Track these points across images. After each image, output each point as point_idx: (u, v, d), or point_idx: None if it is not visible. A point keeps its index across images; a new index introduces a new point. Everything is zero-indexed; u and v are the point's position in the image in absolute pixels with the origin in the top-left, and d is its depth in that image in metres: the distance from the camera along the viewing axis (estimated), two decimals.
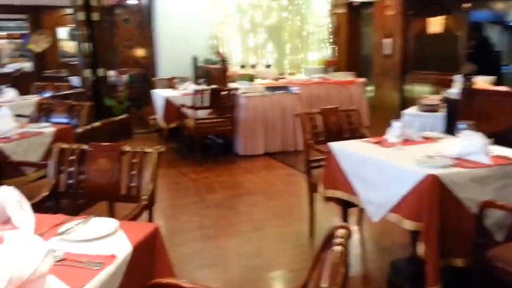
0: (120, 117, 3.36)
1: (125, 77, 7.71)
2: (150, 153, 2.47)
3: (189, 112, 5.68)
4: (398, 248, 3.41)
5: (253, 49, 8.05)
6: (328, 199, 3.16)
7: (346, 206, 3.22)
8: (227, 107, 5.66)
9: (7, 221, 1.75)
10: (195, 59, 7.16)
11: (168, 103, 5.89)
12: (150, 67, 7.68)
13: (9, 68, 14.08)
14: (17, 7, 10.93)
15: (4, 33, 21.35)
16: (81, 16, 7.08)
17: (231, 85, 6.14)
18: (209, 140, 6.73)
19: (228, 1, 7.66)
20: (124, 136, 7.23)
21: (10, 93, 5.54)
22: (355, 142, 3.10)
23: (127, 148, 2.50)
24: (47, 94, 6.27)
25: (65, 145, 2.54)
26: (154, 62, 7.51)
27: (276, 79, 7.11)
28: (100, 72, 7.22)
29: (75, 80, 8.34)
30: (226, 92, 5.60)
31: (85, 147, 2.51)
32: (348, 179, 2.88)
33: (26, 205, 1.78)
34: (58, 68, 10.67)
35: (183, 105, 5.69)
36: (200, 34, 7.32)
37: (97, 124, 3.15)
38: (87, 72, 7.16)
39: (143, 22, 8.03)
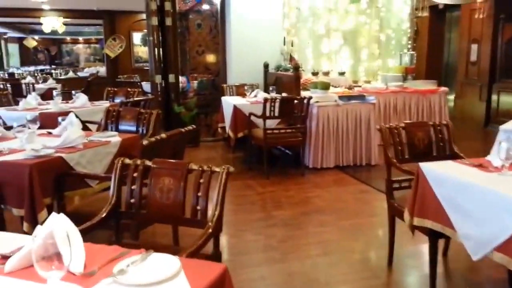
0: (187, 128, 3.12)
1: (195, 84, 7.62)
2: (218, 173, 2.19)
3: (258, 121, 5.42)
4: (491, 285, 2.94)
5: (326, 55, 7.66)
6: (415, 227, 2.75)
7: (435, 236, 2.78)
8: (298, 116, 5.34)
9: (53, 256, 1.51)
10: (266, 66, 6.91)
11: (237, 111, 5.67)
12: (220, 73, 7.54)
13: (85, 72, 14.76)
14: (94, 12, 11.32)
15: (82, 38, 22.55)
16: (154, 21, 7.09)
17: (303, 93, 5.81)
18: (277, 150, 6.45)
19: (302, 5, 7.33)
20: (191, 144, 7.14)
21: (82, 99, 5.55)
22: (450, 163, 2.65)
23: (193, 166, 2.24)
24: (118, 100, 6.29)
25: (128, 160, 2.33)
26: (224, 68, 7.35)
27: (351, 88, 6.68)
28: (171, 78, 7.18)
29: (146, 86, 8.41)
30: (297, 101, 5.28)
31: (149, 163, 2.29)
32: (442, 207, 2.45)
33: (77, 238, 1.55)
34: (131, 73, 10.89)
35: (252, 114, 5.44)
36: (272, 39, 7.05)
37: (163, 136, 2.94)
38: (158, 78, 7.15)
39: (216, 27, 7.93)
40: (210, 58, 7.64)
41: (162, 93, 7.19)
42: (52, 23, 11.82)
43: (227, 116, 5.96)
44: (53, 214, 1.59)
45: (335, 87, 6.62)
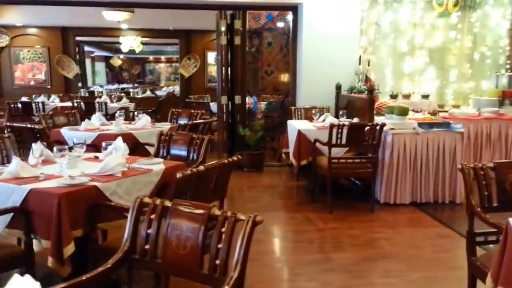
0: (231, 159, 2.75)
1: (262, 105, 7.31)
2: (244, 222, 1.79)
3: (323, 148, 4.95)
4: None
5: (408, 76, 6.99)
6: None
7: None
8: (369, 145, 4.79)
9: None
10: (338, 87, 6.42)
11: (301, 137, 5.23)
12: (290, 95, 7.16)
13: (163, 91, 15.10)
14: (170, 32, 11.49)
15: (164, 57, 23.31)
16: (222, 40, 6.92)
17: (377, 119, 5.25)
18: (345, 180, 5.90)
19: (383, 20, 6.73)
20: (254, 168, 6.80)
21: (143, 120, 5.42)
22: None
23: (216, 211, 1.85)
24: (182, 121, 6.12)
25: (147, 199, 2.00)
26: (294, 89, 6.96)
27: (434, 113, 5.94)
28: (237, 99, 6.93)
29: (214, 107, 8.24)
30: (368, 128, 4.74)
31: (168, 203, 1.94)
32: None
33: None
34: (204, 93, 10.87)
35: (317, 140, 4.98)
36: (347, 58, 6.53)
37: (200, 168, 2.59)
38: (224, 99, 6.93)
39: (287, 45, 7.59)
40: (280, 78, 7.27)
41: (228, 114, 6.95)
42: (130, 43, 12.21)
43: (291, 141, 5.55)
44: (16, 276, 1.28)
45: (417, 111, 5.95)
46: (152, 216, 1.93)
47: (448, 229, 4.41)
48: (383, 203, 5.09)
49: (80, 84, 15.87)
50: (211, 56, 11.58)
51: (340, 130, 4.63)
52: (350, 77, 6.54)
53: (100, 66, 22.20)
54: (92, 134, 5.00)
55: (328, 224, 4.59)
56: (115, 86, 18.80)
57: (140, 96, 12.71)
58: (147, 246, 1.93)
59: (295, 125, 5.49)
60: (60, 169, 2.96)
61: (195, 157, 3.86)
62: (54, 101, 9.40)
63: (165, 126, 5.31)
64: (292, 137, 5.55)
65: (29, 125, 4.74)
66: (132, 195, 3.00)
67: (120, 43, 13.03)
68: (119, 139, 3.60)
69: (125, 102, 9.30)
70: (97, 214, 2.76)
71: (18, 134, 4.96)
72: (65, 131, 5.22)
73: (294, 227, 4.57)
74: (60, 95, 10.56)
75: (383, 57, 6.76)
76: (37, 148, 3.15)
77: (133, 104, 9.42)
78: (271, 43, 7.76)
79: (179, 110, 6.34)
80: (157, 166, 3.25)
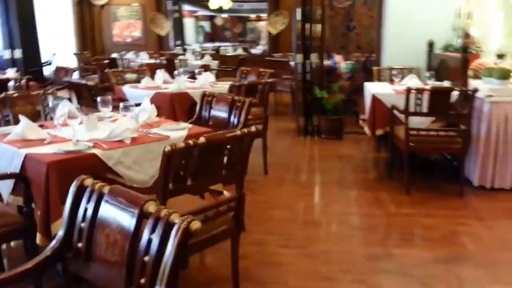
0: (248, 129, 2.17)
1: (343, 65, 6.48)
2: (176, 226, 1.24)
3: (403, 117, 4.13)
4: None
5: None
6: None
7: None
8: (458, 115, 3.88)
9: None
10: (430, 45, 5.39)
11: (376, 102, 4.43)
12: (374, 54, 6.25)
13: (258, 49, 14.64)
14: None
15: (264, 15, 22.72)
16: None
17: (474, 83, 4.26)
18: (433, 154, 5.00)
19: None
20: (333, 135, 6.12)
21: (203, 78, 5.00)
22: None
23: (151, 208, 1.32)
24: (248, 80, 5.62)
25: (88, 181, 1.53)
26: (379, 48, 6.04)
27: None
28: (313, 57, 6.21)
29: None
30: (458, 94, 3.82)
31: (106, 189, 1.45)
32: None
33: None
34: (289, 51, 10.17)
35: (394, 107, 4.17)
36: (443, 10, 5.43)
37: (201, 141, 2.06)
38: (299, 58, 6.25)
39: None
40: (363, 34, 6.29)
41: (304, 74, 6.27)
42: (218, 0, 11.82)
43: (367, 107, 4.76)
44: None
45: None
46: (88, 205, 1.46)
47: None
48: (477, 187, 4.16)
49: (178, 42, 16.04)
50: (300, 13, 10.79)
51: (419, 96, 3.78)
52: (445, 33, 5.46)
53: (205, 26, 22.43)
54: (149, 93, 4.72)
55: (401, 208, 3.83)
56: (217, 44, 18.78)
57: (230, 54, 12.37)
58: (79, 244, 1.47)
59: (370, 89, 4.69)
60: (69, 132, 2.62)
61: (235, 122, 3.35)
62: (142, 57, 9.39)
63: (223, 86, 4.84)
64: (367, 102, 4.76)
65: (84, 82, 4.54)
66: (143, 165, 2.59)
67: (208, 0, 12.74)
68: (146, 99, 3.20)
69: (207, 60, 8.99)
70: None
71: (77, 91, 4.84)
72: (126, 89, 5.01)
73: (359, 209, 3.89)
74: (152, 52, 10.59)
75: (490, 9, 5.51)
76: (62, 106, 2.83)
77: (216, 62, 9.08)
78: None
79: (248, 69, 5.81)
80: (179, 132, 2.79)
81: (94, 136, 2.62)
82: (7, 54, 7.18)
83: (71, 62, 9.67)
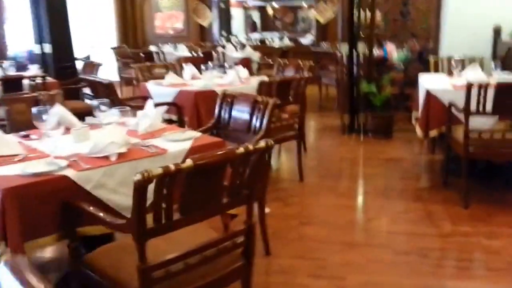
0: (254, 146, 1.66)
1: (395, 55, 5.78)
2: None
3: (460, 116, 3.48)
4: None
5: None
6: None
7: None
8: None
9: None
10: (497, 31, 4.63)
11: (430, 99, 3.77)
12: (431, 42, 5.53)
13: (306, 38, 13.98)
14: None
15: (307, 4, 21.94)
16: None
17: None
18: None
19: None
20: (381, 134, 5.50)
21: (232, 74, 4.54)
22: None
23: None
24: (288, 74, 5.11)
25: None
26: (437, 35, 5.32)
27: None
28: (360, 47, 5.57)
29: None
30: None
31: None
32: None
33: None
34: (337, 41, 9.48)
35: (452, 105, 3.52)
36: None
37: (187, 164, 1.57)
38: (345, 48, 5.63)
39: None
40: (419, 20, 5.52)
41: (350, 66, 5.66)
42: None
43: (420, 103, 4.11)
44: None
45: None
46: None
47: None
48: None
49: (222, 33, 15.67)
50: None
51: (483, 92, 3.11)
52: None
53: (255, 15, 22.00)
54: (173, 90, 4.33)
55: (458, 225, 3.21)
56: (258, 35, 18.32)
57: (276, 44, 11.84)
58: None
59: (424, 82, 4.03)
60: (51, 146, 2.19)
61: (257, 127, 2.86)
62: (181, 50, 9.04)
63: (255, 83, 4.34)
64: (420, 98, 4.11)
65: (99, 79, 4.19)
66: (131, 189, 2.15)
67: None
68: (149, 103, 2.76)
69: (247, 52, 8.51)
70: (75, 216, 1.97)
71: (93, 88, 4.52)
72: (151, 86, 4.65)
73: (407, 226, 3.29)
74: (192, 44, 10.26)
75: None
76: (54, 113, 2.43)
77: (258, 54, 8.58)
78: None
79: (286, 62, 5.29)
80: (182, 144, 2.33)
81: (77, 151, 2.18)
82: (37, 49, 6.95)
83: (110, 56, 9.53)
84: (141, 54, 8.02)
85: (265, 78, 3.62)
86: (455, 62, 4.15)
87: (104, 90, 4.19)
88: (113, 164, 2.06)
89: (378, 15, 5.70)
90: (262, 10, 22.26)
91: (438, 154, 4.68)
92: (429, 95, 3.78)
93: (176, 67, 5.54)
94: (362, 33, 5.54)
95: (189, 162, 1.58)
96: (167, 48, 8.77)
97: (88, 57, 9.42)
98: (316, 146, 5.48)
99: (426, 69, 5.20)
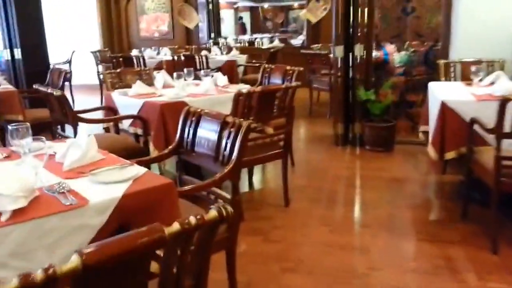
0: (207, 216, 0.93)
1: (397, 57, 5.08)
2: None
3: (488, 137, 2.80)
4: None
5: None
6: None
7: None
8: None
9: None
10: None
11: (446, 113, 3.08)
12: (440, 42, 4.85)
13: (299, 39, 13.32)
14: None
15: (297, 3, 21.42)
16: None
17: None
18: None
19: None
20: (380, 147, 4.82)
21: (207, 82, 3.84)
22: None
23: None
24: (275, 81, 4.43)
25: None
26: (447, 34, 4.64)
27: None
28: (357, 50, 4.89)
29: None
30: None
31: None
32: None
33: None
34: (330, 42, 8.79)
35: (475, 121, 2.83)
36: None
37: (70, 264, 0.87)
38: (338, 50, 4.95)
39: None
40: (425, 18, 4.79)
41: (345, 70, 4.98)
42: None
43: (432, 119, 3.42)
44: None
45: None
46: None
47: None
48: None
49: (211, 35, 14.96)
50: None
51: None
52: None
53: (245, 17, 21.44)
54: (138, 102, 3.63)
55: (486, 280, 2.50)
56: (248, 36, 17.70)
57: (266, 46, 11.14)
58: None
59: (437, 93, 3.34)
60: None
61: (226, 156, 2.16)
62: (164, 54, 8.30)
63: (232, 92, 3.64)
64: (432, 111, 3.42)
65: (50, 90, 3.48)
66: (32, 256, 1.44)
67: None
68: (81, 129, 2.06)
69: (233, 54, 7.80)
70: None
71: (46, 99, 3.80)
72: (116, 96, 3.94)
73: (419, 280, 2.57)
74: (176, 47, 9.54)
75: None
76: None
77: (245, 56, 7.88)
78: None
79: (272, 66, 4.58)
80: (112, 189, 1.63)
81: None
82: (5, 55, 6.32)
83: (91, 60, 8.81)
84: (120, 59, 7.28)
85: (244, 88, 2.92)
86: (475, 67, 3.44)
87: (56, 102, 3.49)
88: (8, 225, 1.38)
89: (377, 12, 5.00)
90: (253, 11, 21.75)
91: (451, 174, 4.01)
92: (445, 108, 3.09)
93: (151, 73, 4.81)
94: (359, 32, 4.85)
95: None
96: (149, 52, 8.04)
97: (69, 62, 8.72)
98: (305, 160, 4.77)
99: (433, 74, 4.54)
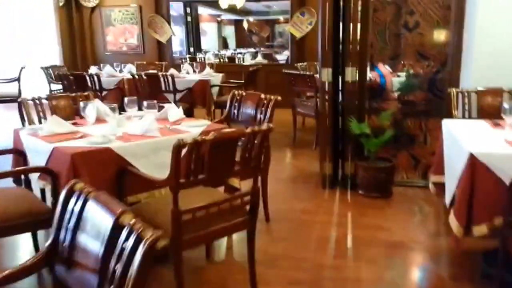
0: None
1: (395, 81, 4.17)
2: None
3: None
4: None
5: None
6: None
7: None
8: None
9: None
10: None
11: (477, 171, 2.16)
12: (449, 65, 3.95)
13: (284, 55, 12.61)
14: None
15: (283, 17, 20.84)
16: None
17: None
18: None
19: None
20: (375, 193, 3.91)
21: (148, 119, 2.86)
22: None
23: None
24: (247, 110, 3.50)
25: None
26: (457, 55, 3.76)
27: None
28: (348, 74, 3.97)
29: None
30: None
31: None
32: None
33: None
34: (316, 60, 7.92)
35: None
36: None
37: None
38: (325, 74, 4.02)
39: None
40: (431, 35, 3.83)
41: (333, 98, 4.06)
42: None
43: (451, 172, 2.49)
44: None
45: None
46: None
47: None
48: None
49: (191, 49, 14.13)
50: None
51: None
52: None
53: (229, 30, 20.80)
54: (46, 147, 2.61)
55: None
56: (230, 51, 17.00)
57: (247, 63, 10.24)
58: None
59: (460, 137, 2.41)
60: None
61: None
62: (126, 71, 7.33)
63: (190, 130, 2.71)
64: (451, 158, 2.49)
65: None
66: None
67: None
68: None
69: (207, 73, 6.85)
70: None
71: None
72: (24, 136, 2.91)
73: None
74: (144, 63, 8.58)
75: None
76: None
77: (221, 75, 6.95)
78: None
79: (243, 93, 3.63)
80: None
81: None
82: None
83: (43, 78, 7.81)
84: (70, 77, 6.29)
85: (189, 138, 1.96)
86: (508, 105, 2.51)
87: None
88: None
89: (372, 28, 4.11)
90: (238, 24, 21.17)
91: (471, 238, 3.07)
92: (474, 162, 2.16)
93: (91, 98, 3.79)
94: (350, 53, 3.95)
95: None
96: (108, 69, 7.05)
97: (17, 79, 7.71)
98: (284, 210, 3.77)
99: (440, 103, 3.65)
